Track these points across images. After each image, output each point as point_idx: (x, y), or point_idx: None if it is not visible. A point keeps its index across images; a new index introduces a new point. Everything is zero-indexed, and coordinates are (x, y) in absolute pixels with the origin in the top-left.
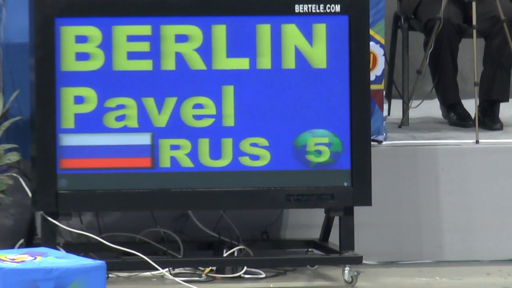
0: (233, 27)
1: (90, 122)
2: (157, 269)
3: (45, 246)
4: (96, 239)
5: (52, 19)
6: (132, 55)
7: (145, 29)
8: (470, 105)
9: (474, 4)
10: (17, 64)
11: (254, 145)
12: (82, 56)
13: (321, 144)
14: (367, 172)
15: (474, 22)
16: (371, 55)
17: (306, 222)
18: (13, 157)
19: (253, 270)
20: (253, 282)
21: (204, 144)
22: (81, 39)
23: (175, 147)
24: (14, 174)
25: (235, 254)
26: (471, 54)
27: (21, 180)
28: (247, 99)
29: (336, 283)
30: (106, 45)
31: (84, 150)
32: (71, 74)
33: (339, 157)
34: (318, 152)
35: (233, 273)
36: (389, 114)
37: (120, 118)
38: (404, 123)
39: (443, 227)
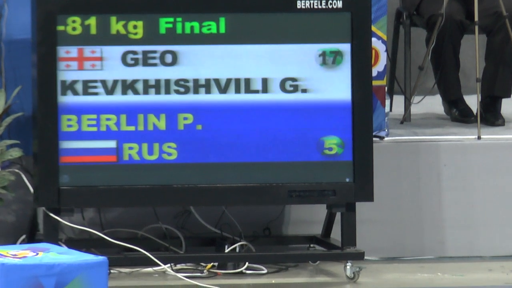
0: None
1: None
2: (159, 265)
3: (47, 242)
4: (98, 235)
5: (54, 16)
6: None
7: None
8: (472, 101)
9: (476, 0)
10: (19, 60)
11: None
12: None
13: None
14: (369, 168)
15: (476, 18)
16: (373, 51)
17: (308, 218)
18: (15, 153)
19: (255, 266)
20: (255, 278)
21: None
22: None
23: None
24: (16, 170)
25: (237, 250)
26: (473, 50)
27: (23, 176)
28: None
29: (338, 279)
30: None
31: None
32: None
33: (341, 153)
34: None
35: (235, 269)
36: (391, 110)
37: None
38: (406, 119)
39: (445, 223)
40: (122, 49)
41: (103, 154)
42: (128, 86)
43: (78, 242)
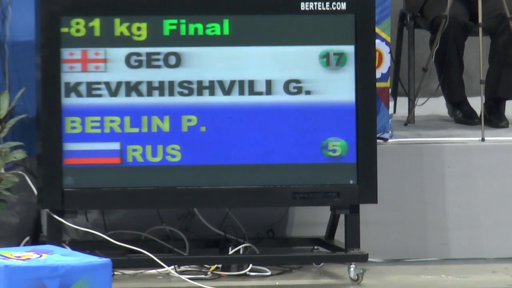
0: None
1: None
2: (162, 267)
3: (51, 243)
4: (102, 237)
5: (57, 17)
6: None
7: None
8: (476, 103)
9: (480, 2)
10: (23, 62)
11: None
12: None
13: None
14: (372, 170)
15: (480, 20)
16: (377, 53)
17: (312, 220)
18: (19, 155)
19: (258, 268)
20: (259, 280)
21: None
22: None
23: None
24: (20, 172)
25: (241, 252)
26: (477, 52)
27: (26, 177)
28: None
29: (341, 281)
30: None
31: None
32: None
33: (345, 155)
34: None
35: (238, 271)
36: (395, 112)
37: None
38: (410, 120)
39: (448, 225)
40: (126, 51)
41: (106, 156)
42: (132, 88)
43: (82, 244)
